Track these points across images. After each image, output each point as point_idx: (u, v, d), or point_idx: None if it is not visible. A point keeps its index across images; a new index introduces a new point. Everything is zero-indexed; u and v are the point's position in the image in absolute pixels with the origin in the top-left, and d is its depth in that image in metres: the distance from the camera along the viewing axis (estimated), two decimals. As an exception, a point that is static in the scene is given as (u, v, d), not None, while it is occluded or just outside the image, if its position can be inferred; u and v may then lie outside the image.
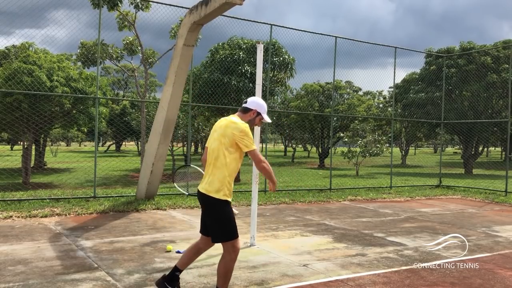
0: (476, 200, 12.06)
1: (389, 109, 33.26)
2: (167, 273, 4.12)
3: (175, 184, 5.04)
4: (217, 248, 5.89)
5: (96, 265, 4.98)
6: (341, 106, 31.13)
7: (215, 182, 3.79)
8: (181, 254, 5.51)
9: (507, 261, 5.68)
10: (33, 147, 25.25)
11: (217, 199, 3.76)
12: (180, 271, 4.07)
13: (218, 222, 3.80)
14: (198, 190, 3.90)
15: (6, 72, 19.76)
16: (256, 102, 4.06)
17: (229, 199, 3.84)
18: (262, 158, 3.86)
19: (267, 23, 11.26)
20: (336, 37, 12.33)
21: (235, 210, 4.12)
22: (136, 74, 22.37)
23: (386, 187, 13.95)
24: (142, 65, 20.12)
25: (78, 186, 17.51)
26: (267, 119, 4.11)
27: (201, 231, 4.07)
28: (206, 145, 4.08)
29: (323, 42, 12.34)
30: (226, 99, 18.81)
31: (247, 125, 3.89)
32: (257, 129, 6.36)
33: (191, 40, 8.39)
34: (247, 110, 4.02)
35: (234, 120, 3.88)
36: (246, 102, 4.06)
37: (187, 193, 5.80)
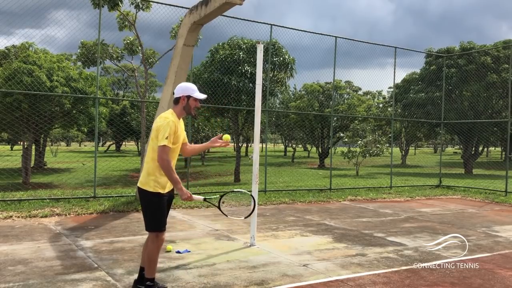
0: (476, 200, 12.06)
1: (389, 109, 33.26)
2: (136, 277, 4.24)
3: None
4: (217, 248, 5.90)
5: (96, 265, 4.97)
6: (341, 106, 31.14)
7: (144, 175, 3.90)
8: (181, 254, 5.52)
9: (507, 261, 5.68)
10: (33, 147, 25.25)
11: (146, 190, 3.86)
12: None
13: (146, 212, 3.93)
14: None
15: (6, 72, 19.76)
16: (181, 87, 4.00)
17: (160, 191, 3.87)
18: (165, 157, 3.77)
19: (267, 23, 11.26)
20: (336, 37, 12.33)
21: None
22: (136, 74, 22.37)
23: (386, 187, 13.94)
24: (142, 65, 20.12)
25: (78, 186, 17.50)
26: (200, 96, 3.98)
27: None
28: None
29: (323, 42, 12.35)
30: (226, 99, 18.79)
31: (169, 120, 3.83)
32: (257, 129, 6.35)
33: (191, 40, 8.38)
34: (177, 100, 3.98)
35: (162, 115, 3.90)
36: (174, 94, 4.02)
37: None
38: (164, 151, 3.76)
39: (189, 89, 3.96)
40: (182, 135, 4.05)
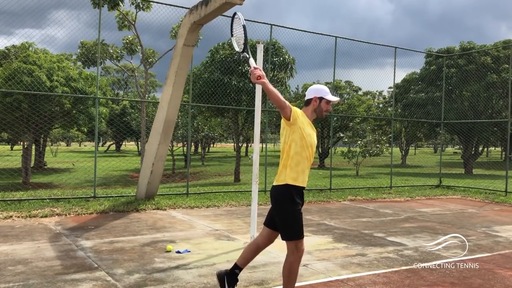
0: (476, 200, 12.05)
1: (389, 109, 33.27)
2: (229, 268, 4.06)
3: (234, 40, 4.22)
4: (217, 248, 5.90)
5: (96, 265, 4.97)
6: (341, 106, 31.15)
7: (283, 172, 3.74)
8: (181, 254, 5.52)
9: (507, 261, 5.68)
10: (33, 147, 25.26)
11: (284, 185, 3.73)
12: (240, 269, 4.03)
13: (284, 218, 3.71)
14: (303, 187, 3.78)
15: (6, 72, 19.78)
16: (313, 89, 3.86)
17: (294, 184, 3.72)
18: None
19: (267, 23, 11.26)
20: (336, 37, 12.33)
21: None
22: (136, 74, 22.39)
23: (386, 187, 13.94)
24: (142, 65, 20.14)
25: (78, 186, 17.51)
26: (334, 98, 3.84)
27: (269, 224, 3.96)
28: (305, 143, 3.72)
29: (322, 42, 12.34)
30: (226, 99, 18.81)
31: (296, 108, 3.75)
32: (257, 129, 6.36)
33: (191, 40, 8.38)
34: (308, 102, 3.84)
35: None
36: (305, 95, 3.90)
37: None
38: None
39: (322, 90, 3.84)
40: (314, 139, 3.81)
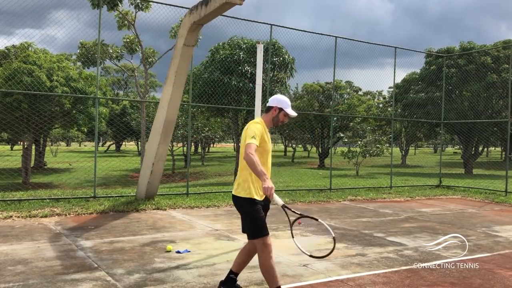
0: (476, 200, 12.05)
1: (389, 109, 33.27)
2: (223, 278, 4.19)
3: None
4: (217, 248, 5.89)
5: (96, 265, 4.97)
6: (341, 106, 31.15)
7: (241, 182, 3.86)
8: (181, 254, 5.53)
9: (507, 261, 5.68)
10: (33, 147, 25.26)
11: (243, 198, 3.84)
12: (236, 274, 4.13)
13: (245, 220, 3.89)
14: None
15: (6, 72, 19.77)
16: (276, 98, 4.00)
17: (255, 198, 3.83)
18: (250, 151, 3.59)
19: (267, 23, 11.26)
20: (336, 37, 12.33)
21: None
22: (136, 74, 22.40)
23: (386, 187, 13.94)
24: (142, 65, 20.17)
25: (78, 186, 17.51)
26: (292, 113, 3.99)
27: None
28: (265, 159, 3.95)
29: (322, 42, 12.34)
30: (226, 99, 18.82)
31: (257, 124, 3.85)
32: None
33: (191, 40, 8.38)
34: (269, 109, 3.99)
35: (251, 121, 3.93)
36: (268, 102, 4.02)
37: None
38: (250, 147, 3.64)
39: (284, 102, 3.98)
40: (269, 144, 3.96)
